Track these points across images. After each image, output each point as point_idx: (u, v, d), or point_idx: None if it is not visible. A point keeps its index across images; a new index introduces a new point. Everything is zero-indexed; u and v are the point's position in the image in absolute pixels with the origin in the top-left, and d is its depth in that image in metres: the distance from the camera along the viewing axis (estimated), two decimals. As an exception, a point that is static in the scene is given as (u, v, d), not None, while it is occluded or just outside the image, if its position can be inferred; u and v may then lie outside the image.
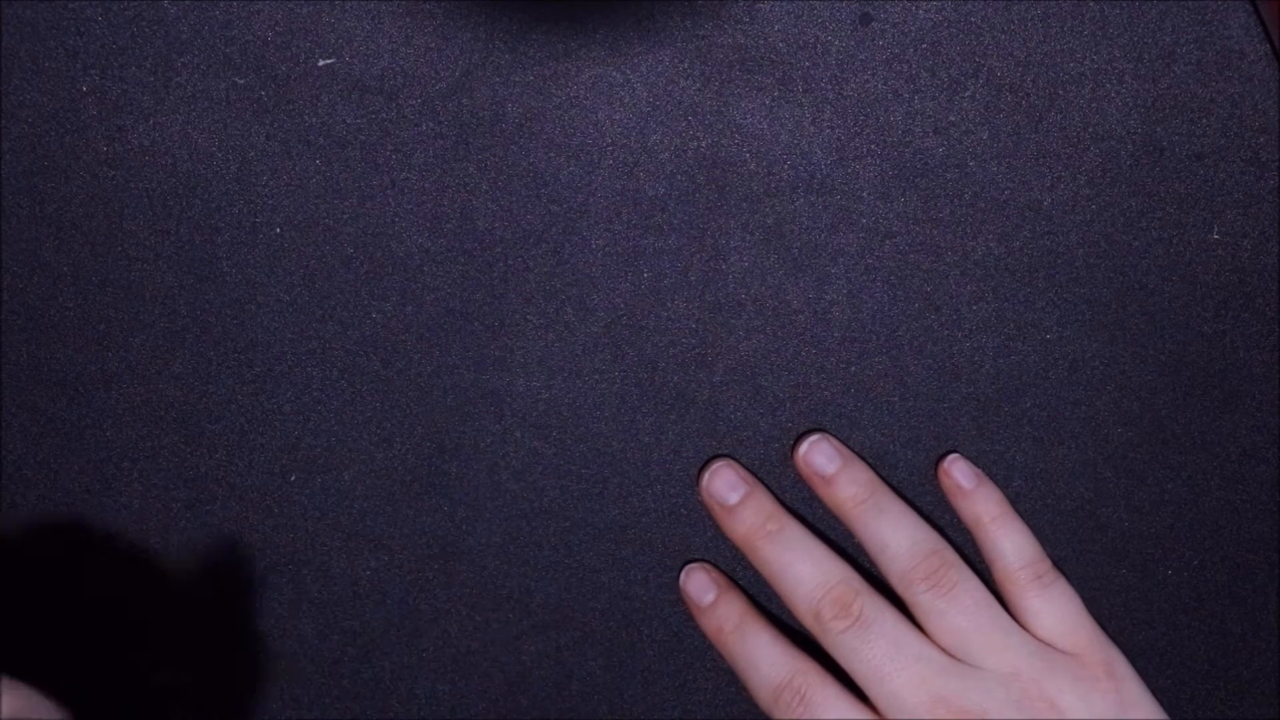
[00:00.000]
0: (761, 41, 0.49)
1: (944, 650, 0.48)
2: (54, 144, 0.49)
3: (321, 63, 0.49)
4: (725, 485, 0.50)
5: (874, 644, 0.47)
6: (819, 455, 0.50)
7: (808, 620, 0.48)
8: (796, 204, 0.50)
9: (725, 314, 0.50)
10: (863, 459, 0.51)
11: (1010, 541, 0.49)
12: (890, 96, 0.50)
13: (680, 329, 0.50)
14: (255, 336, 0.50)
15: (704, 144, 0.50)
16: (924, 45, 0.50)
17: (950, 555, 0.49)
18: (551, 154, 0.50)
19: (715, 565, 0.51)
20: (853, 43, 0.50)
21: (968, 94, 0.50)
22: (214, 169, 0.49)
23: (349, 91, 0.49)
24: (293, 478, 0.50)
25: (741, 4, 0.49)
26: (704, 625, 0.50)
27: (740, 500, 0.50)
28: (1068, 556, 0.51)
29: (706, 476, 0.50)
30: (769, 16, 0.49)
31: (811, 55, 0.50)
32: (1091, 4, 0.50)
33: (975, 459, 0.51)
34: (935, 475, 0.51)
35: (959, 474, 0.50)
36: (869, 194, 0.50)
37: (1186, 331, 0.51)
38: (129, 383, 0.50)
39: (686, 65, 0.50)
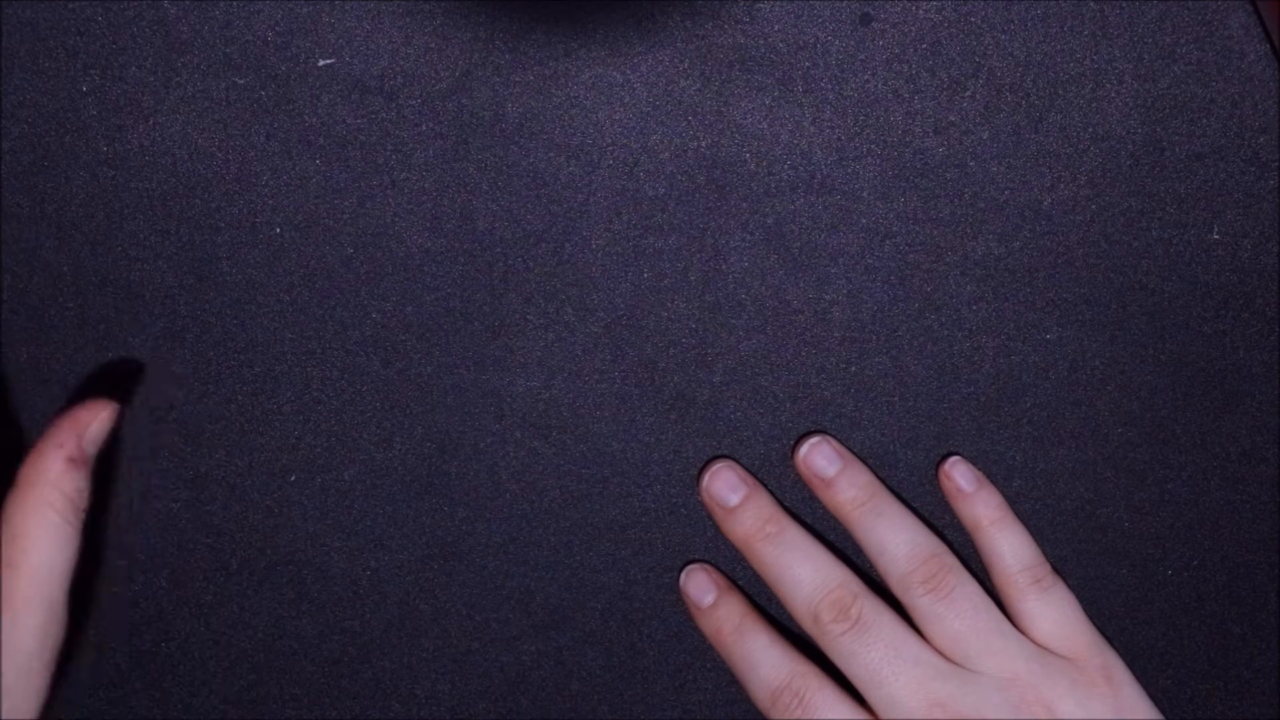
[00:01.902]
0: (761, 41, 0.49)
1: (942, 654, 0.48)
2: (54, 144, 0.49)
3: (321, 63, 0.49)
4: (725, 486, 0.50)
5: (872, 647, 0.47)
6: (819, 457, 0.50)
7: (806, 622, 0.48)
8: (796, 204, 0.50)
9: (725, 314, 0.50)
10: (863, 460, 0.51)
11: (1009, 544, 0.50)
12: (890, 96, 0.50)
13: (680, 329, 0.50)
14: (255, 336, 0.50)
15: (704, 144, 0.50)
16: (924, 45, 0.50)
17: (949, 559, 0.49)
18: (551, 154, 0.50)
19: (715, 566, 0.51)
20: (853, 43, 0.50)
21: (968, 94, 0.50)
22: (214, 169, 0.49)
23: (349, 91, 0.49)
24: (293, 478, 0.50)
25: (741, 4, 0.49)
26: (703, 626, 0.50)
27: (740, 502, 0.50)
28: (1068, 557, 0.51)
29: (706, 477, 0.50)
30: (769, 16, 0.49)
31: (811, 55, 0.50)
32: (1091, 4, 0.50)
33: (975, 459, 0.51)
34: (935, 477, 0.51)
35: (959, 476, 0.50)
36: (869, 194, 0.50)
37: (1186, 331, 0.51)
38: (129, 383, 0.50)
39: (686, 65, 0.50)
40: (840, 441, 0.51)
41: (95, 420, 0.44)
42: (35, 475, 0.43)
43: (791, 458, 0.51)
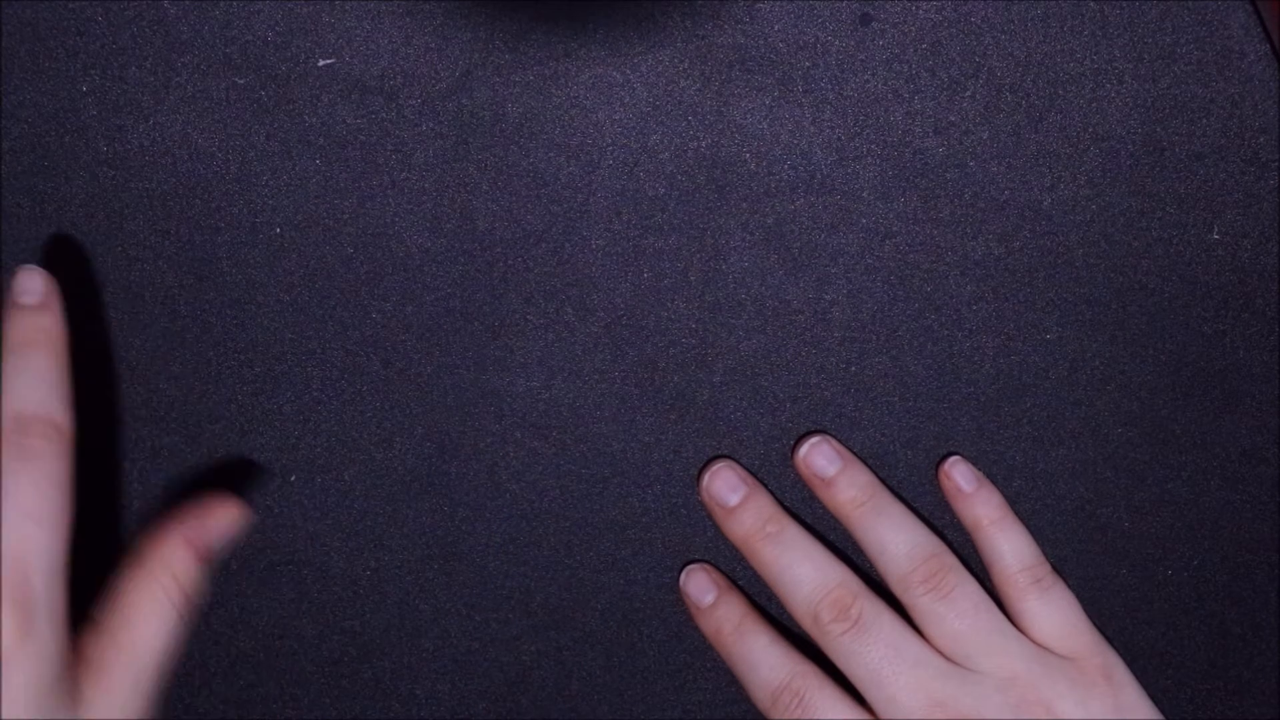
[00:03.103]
0: (761, 41, 0.49)
1: (942, 654, 0.48)
2: (54, 144, 0.49)
3: (321, 63, 0.49)
4: (725, 486, 0.50)
5: (872, 647, 0.47)
6: (819, 457, 0.50)
7: (806, 622, 0.48)
8: (796, 204, 0.50)
9: (725, 314, 0.50)
10: (863, 460, 0.51)
11: (1009, 544, 0.50)
12: (890, 96, 0.50)
13: (680, 329, 0.50)
14: (255, 336, 0.50)
15: (704, 144, 0.50)
16: (924, 45, 0.50)
17: (949, 559, 0.49)
18: (551, 154, 0.50)
19: (715, 566, 0.51)
20: (853, 43, 0.50)
21: (968, 94, 0.50)
22: (214, 169, 0.49)
23: (349, 91, 0.49)
24: (293, 478, 0.50)
25: (741, 4, 0.49)
26: (703, 626, 0.50)
27: (740, 501, 0.50)
28: (1068, 556, 0.51)
29: (706, 477, 0.50)
30: (769, 16, 0.49)
31: (811, 55, 0.50)
32: (1091, 4, 0.50)
33: (975, 459, 0.51)
34: (935, 477, 0.51)
35: (959, 476, 0.50)
36: (869, 194, 0.50)
37: (1186, 331, 0.51)
38: (129, 383, 0.50)
39: (686, 65, 0.50)
40: (840, 441, 0.51)
41: (227, 520, 0.44)
42: (156, 557, 0.43)
43: (791, 458, 0.51)
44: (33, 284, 0.43)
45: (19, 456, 0.40)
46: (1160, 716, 0.48)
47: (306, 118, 0.49)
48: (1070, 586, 0.50)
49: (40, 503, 0.40)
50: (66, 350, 0.43)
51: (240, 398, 0.50)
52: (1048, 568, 0.50)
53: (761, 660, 0.49)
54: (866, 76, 0.50)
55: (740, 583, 0.51)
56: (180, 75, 0.49)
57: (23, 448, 0.40)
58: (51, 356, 0.42)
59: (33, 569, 0.39)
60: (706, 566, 0.51)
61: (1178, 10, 0.50)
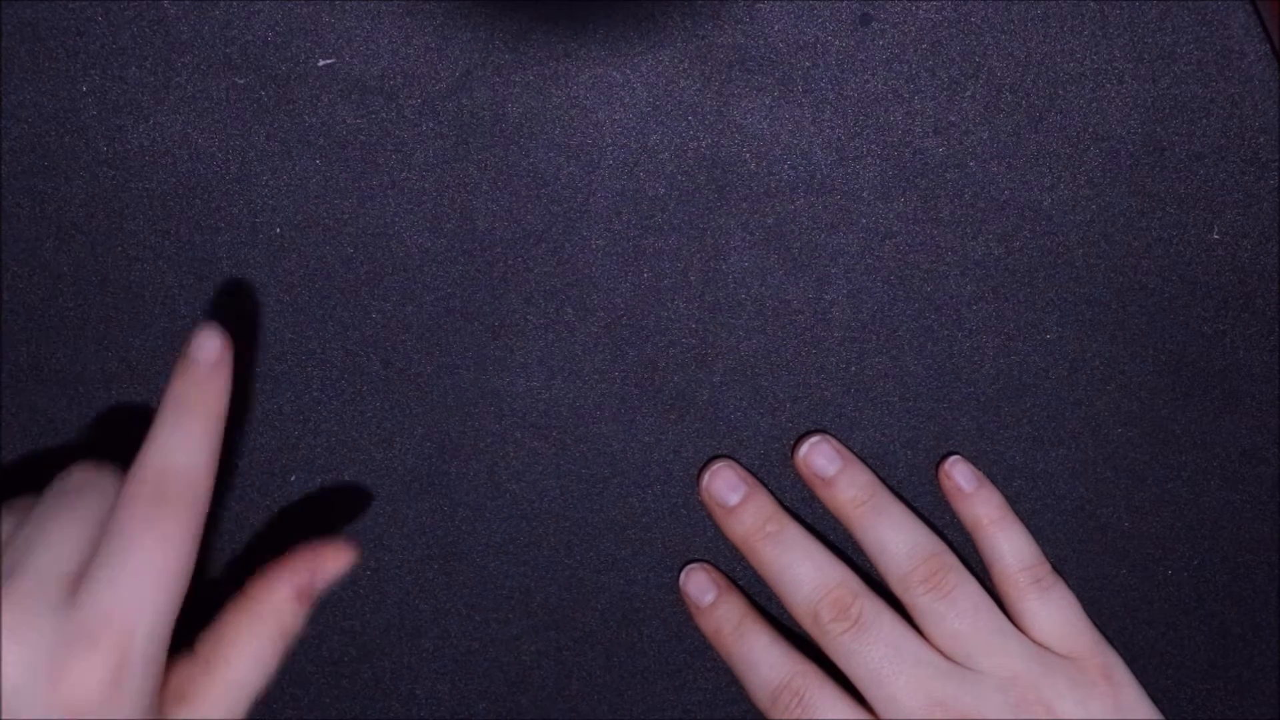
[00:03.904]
0: (761, 41, 0.49)
1: (942, 653, 0.48)
2: (54, 144, 0.49)
3: (321, 63, 0.49)
4: (725, 486, 0.50)
5: (872, 646, 0.47)
6: (819, 457, 0.50)
7: (806, 622, 0.48)
8: (796, 204, 0.50)
9: (725, 314, 0.50)
10: (863, 460, 0.51)
11: (1009, 544, 0.50)
12: (890, 96, 0.50)
13: (680, 329, 0.50)
14: (255, 336, 0.50)
15: (704, 144, 0.50)
16: (924, 45, 0.50)
17: (949, 558, 0.49)
18: (551, 154, 0.50)
19: (715, 565, 0.51)
20: (853, 43, 0.50)
21: (968, 94, 0.50)
22: (214, 169, 0.49)
23: (349, 91, 0.49)
24: (292, 478, 0.50)
25: (741, 4, 0.49)
26: (703, 626, 0.50)
27: (740, 501, 0.50)
28: (1068, 556, 0.51)
29: (706, 477, 0.50)
30: (769, 16, 0.49)
31: (811, 55, 0.50)
32: (1091, 4, 0.50)
33: (975, 459, 0.51)
34: (935, 476, 0.51)
35: (959, 476, 0.50)
36: (869, 194, 0.50)
37: (1186, 331, 0.51)
38: (129, 383, 0.50)
39: (686, 65, 0.50)
40: (840, 441, 0.51)
41: (334, 563, 0.44)
42: (262, 594, 0.43)
43: (791, 458, 0.51)
44: (210, 343, 0.43)
45: (152, 514, 0.41)
46: (1160, 716, 0.48)
47: (306, 118, 0.49)
48: (1070, 586, 0.50)
49: (160, 562, 0.40)
50: (224, 417, 0.43)
51: (240, 398, 0.50)
52: (1048, 567, 0.50)
53: (761, 660, 0.49)
54: (866, 76, 0.50)
55: (740, 583, 0.51)
56: (180, 75, 0.49)
57: (158, 505, 0.41)
58: (208, 421, 0.43)
59: (136, 624, 0.40)
60: (706, 566, 0.51)
61: (1178, 10, 0.50)
